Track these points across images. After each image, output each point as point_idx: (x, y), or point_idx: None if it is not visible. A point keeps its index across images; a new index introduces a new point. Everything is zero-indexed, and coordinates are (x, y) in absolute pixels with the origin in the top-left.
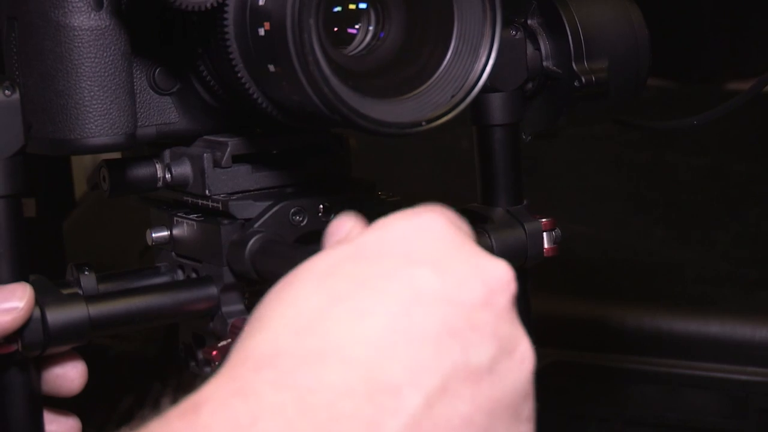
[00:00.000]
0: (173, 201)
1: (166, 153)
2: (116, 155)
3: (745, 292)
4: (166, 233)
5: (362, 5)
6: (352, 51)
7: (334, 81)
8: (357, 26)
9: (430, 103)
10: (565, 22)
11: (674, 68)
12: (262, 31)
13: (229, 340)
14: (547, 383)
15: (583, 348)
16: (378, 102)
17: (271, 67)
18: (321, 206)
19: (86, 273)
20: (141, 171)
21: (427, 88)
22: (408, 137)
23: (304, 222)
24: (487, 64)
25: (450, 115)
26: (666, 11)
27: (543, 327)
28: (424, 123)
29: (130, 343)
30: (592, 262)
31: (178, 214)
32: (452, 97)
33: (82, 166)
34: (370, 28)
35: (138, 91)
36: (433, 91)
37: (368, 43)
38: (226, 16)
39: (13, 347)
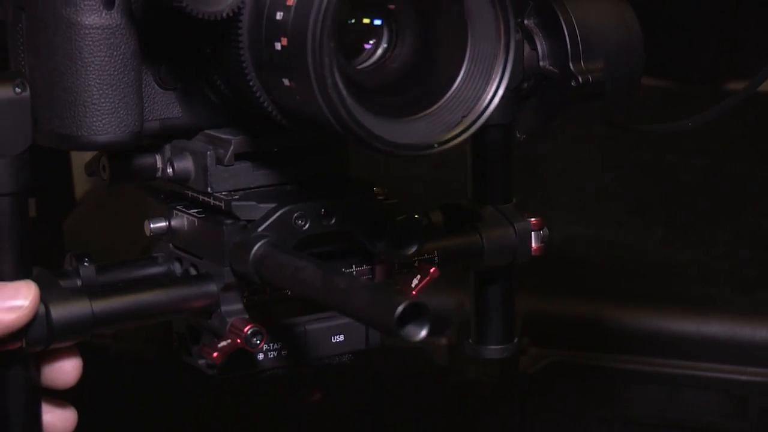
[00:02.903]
0: (171, 192)
1: (167, 147)
2: None
3: (745, 292)
4: (164, 224)
5: (377, 21)
6: (363, 64)
7: (350, 101)
8: (371, 42)
9: (441, 123)
10: (563, 22)
11: (674, 68)
12: (278, 46)
13: (229, 340)
14: (547, 383)
15: (583, 348)
16: (390, 122)
17: (286, 81)
18: (322, 210)
19: (86, 264)
20: (141, 161)
21: (438, 108)
22: (420, 159)
23: (306, 226)
24: (499, 88)
25: (461, 138)
26: (665, 11)
27: (543, 327)
28: (436, 145)
29: (131, 343)
30: (591, 262)
31: (177, 206)
32: (464, 117)
33: (82, 165)
34: (384, 44)
35: (144, 87)
36: (444, 111)
37: (380, 57)
38: (240, 25)
39: (18, 344)
